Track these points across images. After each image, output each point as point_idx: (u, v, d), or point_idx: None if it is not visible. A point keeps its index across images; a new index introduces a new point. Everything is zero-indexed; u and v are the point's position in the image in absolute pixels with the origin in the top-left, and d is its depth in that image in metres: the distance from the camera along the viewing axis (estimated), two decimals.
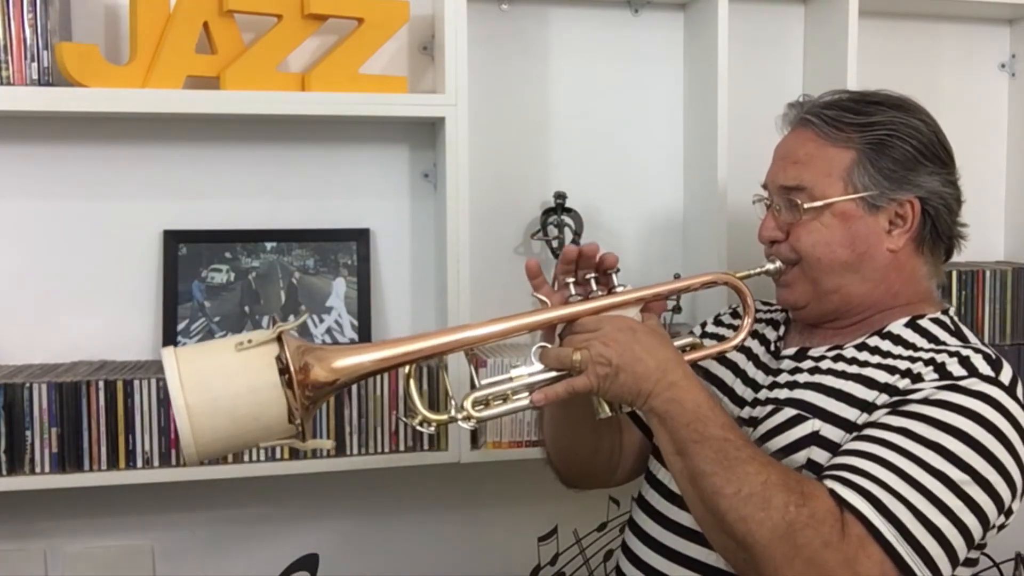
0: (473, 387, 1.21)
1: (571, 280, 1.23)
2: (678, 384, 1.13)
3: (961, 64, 2.11)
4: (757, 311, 1.46)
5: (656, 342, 1.16)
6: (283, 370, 1.07)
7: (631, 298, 1.22)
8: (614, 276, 1.24)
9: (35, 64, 1.57)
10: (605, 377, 1.14)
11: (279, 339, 1.08)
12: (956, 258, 2.01)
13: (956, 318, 1.31)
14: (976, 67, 2.12)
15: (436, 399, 1.69)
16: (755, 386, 1.35)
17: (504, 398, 1.19)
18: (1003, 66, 2.13)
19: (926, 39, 2.09)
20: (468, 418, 1.17)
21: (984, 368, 1.15)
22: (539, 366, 1.19)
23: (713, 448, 1.09)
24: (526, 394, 1.18)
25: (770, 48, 2.01)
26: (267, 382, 1.06)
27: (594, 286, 1.23)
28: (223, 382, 1.05)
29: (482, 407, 1.18)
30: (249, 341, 1.08)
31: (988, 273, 1.92)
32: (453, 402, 1.19)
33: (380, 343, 1.17)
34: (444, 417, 1.18)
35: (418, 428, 1.18)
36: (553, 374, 1.18)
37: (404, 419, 1.65)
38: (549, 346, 1.21)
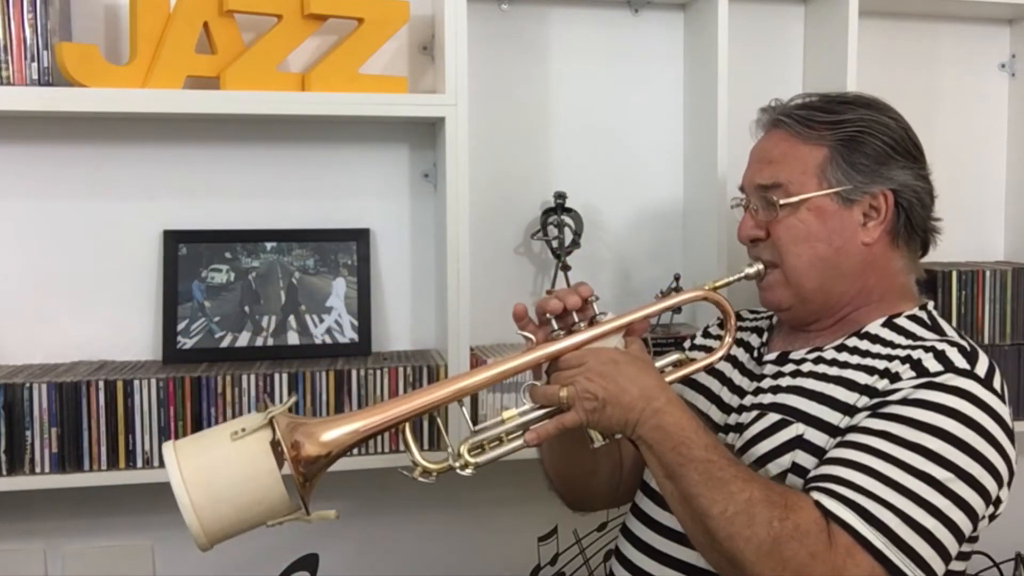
0: (469, 433, 1.23)
1: (552, 316, 1.24)
2: (662, 410, 1.14)
3: (961, 64, 2.11)
4: (744, 319, 1.50)
5: (638, 370, 1.17)
6: (276, 445, 1.10)
7: (611, 328, 1.23)
8: (594, 305, 1.25)
9: (35, 64, 1.57)
10: (593, 411, 1.15)
11: (271, 424, 1.11)
12: (956, 258, 2.03)
13: (934, 312, 1.32)
14: (976, 67, 2.12)
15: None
16: (741, 393, 1.36)
17: (499, 440, 1.21)
18: (1003, 66, 2.13)
19: (926, 39, 2.08)
20: (466, 465, 1.20)
21: (960, 362, 1.17)
22: (530, 404, 1.21)
23: (698, 470, 1.11)
24: (520, 434, 1.20)
25: (770, 48, 2.01)
26: (264, 469, 1.10)
27: (575, 318, 1.24)
28: (223, 474, 1.10)
29: (479, 451, 1.21)
30: (243, 429, 1.12)
31: (988, 273, 1.92)
32: (450, 450, 1.21)
33: (368, 410, 1.19)
34: (443, 466, 1.20)
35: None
36: (544, 411, 1.20)
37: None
38: (538, 384, 1.23)
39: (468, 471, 1.20)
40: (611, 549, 2.00)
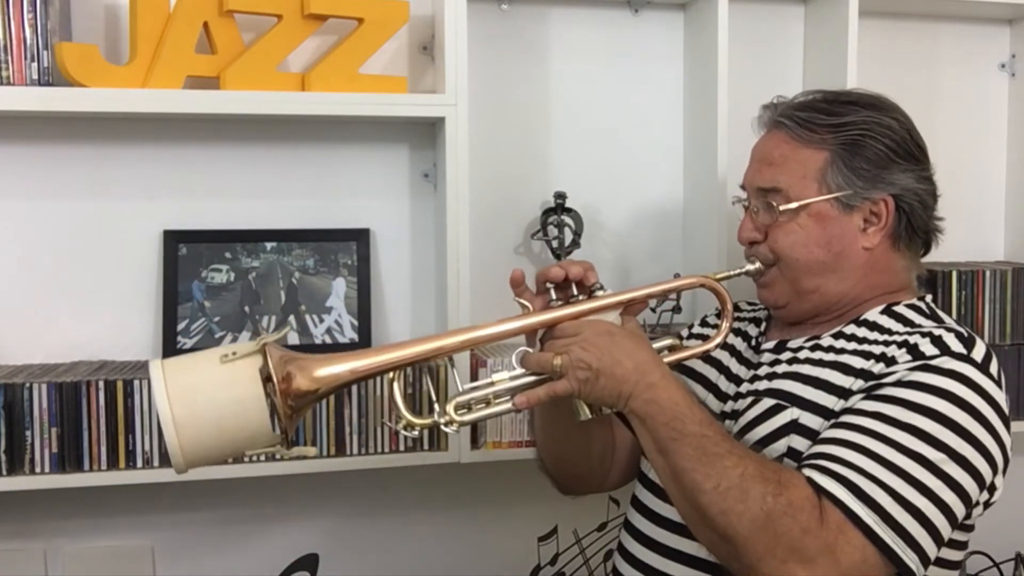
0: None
1: (552, 286, 1.24)
2: (656, 385, 1.14)
3: (961, 64, 2.11)
4: (742, 310, 1.50)
5: (634, 345, 1.17)
6: (267, 380, 1.09)
7: (610, 303, 1.23)
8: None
9: (35, 64, 1.57)
10: (585, 381, 1.15)
11: (263, 351, 1.09)
12: (956, 258, 2.03)
13: (932, 304, 1.32)
14: (976, 67, 2.12)
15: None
16: (738, 381, 1.36)
17: (487, 402, 1.20)
18: (1003, 66, 2.13)
19: (926, 39, 2.09)
20: (451, 422, 1.18)
21: (956, 346, 1.17)
22: (521, 370, 1.20)
23: (691, 445, 1.11)
24: (508, 398, 1.19)
25: (770, 48, 2.01)
26: (251, 393, 1.08)
27: (574, 290, 1.24)
28: (208, 394, 1.08)
29: (465, 411, 1.19)
30: (234, 353, 1.10)
31: (988, 273, 1.92)
32: (437, 407, 1.20)
33: (361, 351, 1.17)
34: (428, 421, 1.19)
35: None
36: (534, 378, 1.19)
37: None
38: (530, 350, 1.22)
39: (453, 428, 1.18)
40: (611, 549, 2.00)
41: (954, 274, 1.90)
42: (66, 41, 1.62)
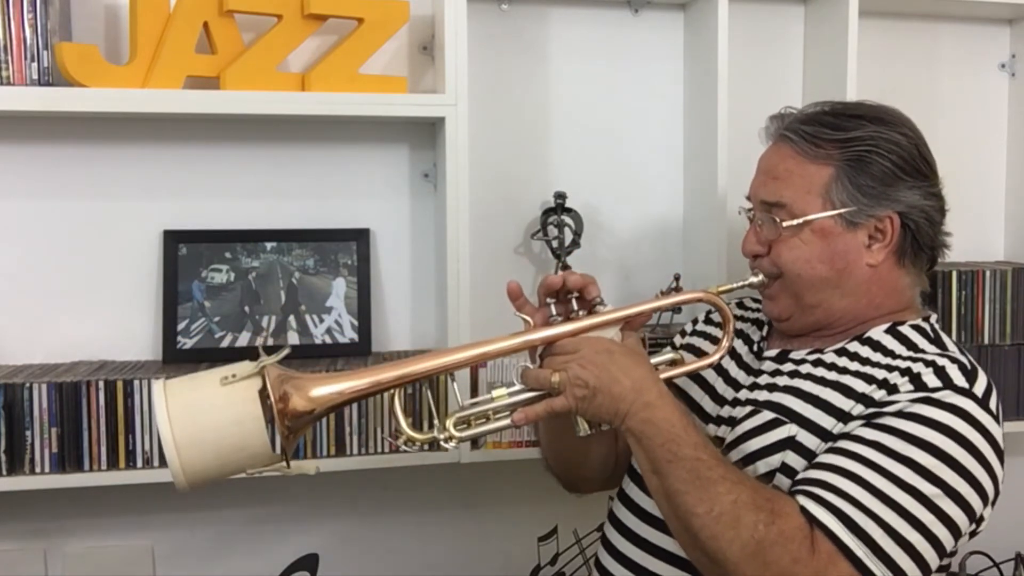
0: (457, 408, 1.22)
1: (552, 300, 1.24)
2: (653, 404, 1.14)
3: (961, 64, 2.11)
4: (746, 308, 1.50)
5: (632, 362, 1.17)
6: (266, 400, 1.10)
7: (610, 319, 1.23)
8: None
9: (35, 64, 1.57)
10: (583, 398, 1.15)
11: (262, 372, 1.11)
12: (956, 258, 2.03)
13: (937, 326, 1.32)
14: (976, 67, 2.12)
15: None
16: (736, 385, 1.36)
17: (486, 417, 1.21)
18: (1003, 66, 2.13)
19: (926, 39, 2.09)
20: (450, 438, 1.20)
21: (959, 379, 1.17)
22: (520, 385, 1.21)
23: (686, 468, 1.11)
24: (508, 413, 1.20)
25: (770, 48, 2.01)
26: (250, 415, 1.10)
27: (575, 306, 1.24)
28: (209, 416, 1.10)
29: (464, 426, 1.21)
30: (233, 375, 1.12)
31: (988, 273, 1.92)
32: (437, 422, 1.21)
33: (359, 371, 1.18)
34: (428, 437, 1.20)
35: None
36: (534, 393, 1.20)
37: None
38: (530, 366, 1.23)
39: (452, 444, 1.20)
40: None
41: (954, 274, 1.90)
42: (66, 41, 1.62)
